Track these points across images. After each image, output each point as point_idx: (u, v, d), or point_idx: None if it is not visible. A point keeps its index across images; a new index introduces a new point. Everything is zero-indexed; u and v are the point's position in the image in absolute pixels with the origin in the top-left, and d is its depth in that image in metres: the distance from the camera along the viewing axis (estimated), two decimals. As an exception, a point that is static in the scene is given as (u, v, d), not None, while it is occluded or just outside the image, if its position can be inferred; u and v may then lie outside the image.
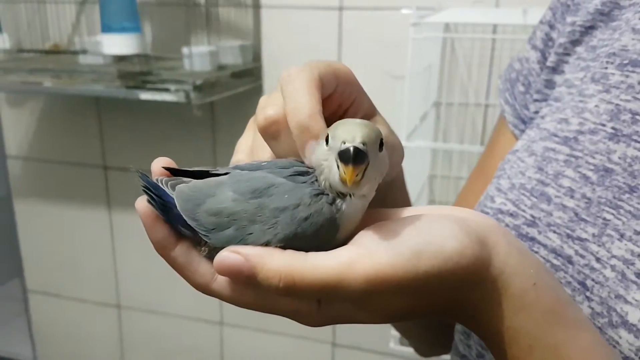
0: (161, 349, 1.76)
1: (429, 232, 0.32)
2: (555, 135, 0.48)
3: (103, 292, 1.75)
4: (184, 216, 0.35)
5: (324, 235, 0.34)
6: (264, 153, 0.40)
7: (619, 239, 0.40)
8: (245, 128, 0.44)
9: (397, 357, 1.46)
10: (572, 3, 0.54)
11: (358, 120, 0.34)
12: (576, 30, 0.52)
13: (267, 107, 0.37)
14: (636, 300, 0.38)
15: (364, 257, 0.31)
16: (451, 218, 0.34)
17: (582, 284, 0.41)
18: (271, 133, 0.37)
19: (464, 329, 0.52)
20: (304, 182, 0.35)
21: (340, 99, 0.39)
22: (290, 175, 0.35)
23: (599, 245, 0.41)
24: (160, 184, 0.36)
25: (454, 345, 0.55)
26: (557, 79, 0.53)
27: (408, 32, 0.98)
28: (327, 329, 1.53)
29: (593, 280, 0.41)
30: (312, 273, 0.31)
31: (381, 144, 0.34)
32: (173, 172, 0.38)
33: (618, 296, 0.39)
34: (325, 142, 0.34)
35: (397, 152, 0.42)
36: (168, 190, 0.35)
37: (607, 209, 0.42)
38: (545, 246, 0.44)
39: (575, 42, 0.52)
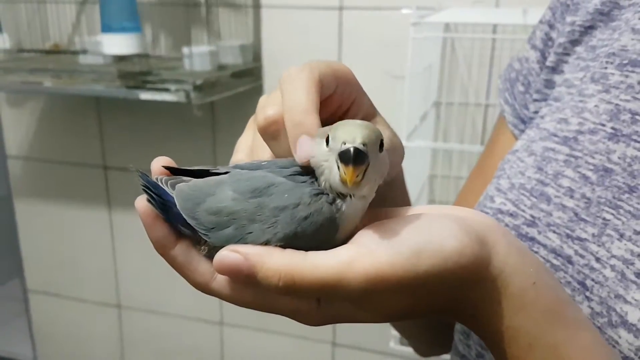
0: (161, 348, 1.76)
1: (429, 232, 0.32)
2: (555, 135, 0.48)
3: (103, 292, 1.75)
4: (183, 215, 0.35)
5: (323, 234, 0.34)
6: (264, 153, 0.40)
7: (618, 239, 0.40)
8: (245, 128, 0.44)
9: (397, 357, 1.46)
10: (572, 3, 0.54)
11: (358, 121, 0.34)
12: (576, 30, 0.52)
13: (267, 107, 0.37)
14: (636, 300, 0.38)
15: (363, 256, 0.31)
16: (451, 217, 0.34)
17: (582, 283, 0.41)
18: (271, 133, 0.37)
19: (464, 329, 0.52)
20: (304, 182, 0.35)
21: (340, 99, 0.39)
22: (290, 175, 0.35)
23: (599, 245, 0.41)
24: (160, 183, 0.36)
25: (454, 345, 0.55)
26: (557, 78, 0.53)
27: (408, 32, 0.98)
28: (327, 328, 1.53)
29: (593, 280, 0.41)
30: (311, 272, 0.31)
31: (381, 145, 0.34)
32: (173, 171, 0.38)
33: (618, 296, 0.39)
34: (325, 143, 0.34)
35: (398, 152, 0.42)
36: (168, 189, 0.35)
37: (606, 209, 0.42)
38: (545, 246, 0.44)
39: (575, 42, 0.52)
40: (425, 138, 1.21)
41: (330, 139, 0.33)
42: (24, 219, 1.78)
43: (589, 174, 0.44)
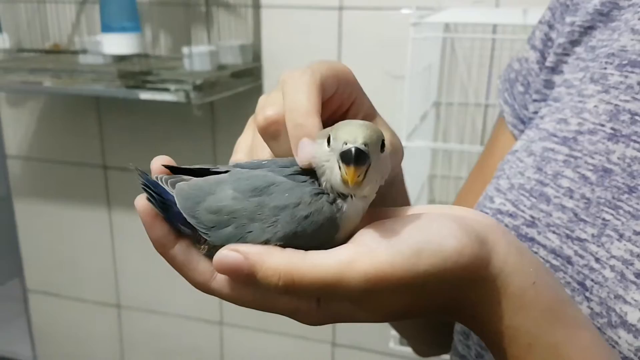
0: (161, 348, 1.76)
1: (429, 231, 0.32)
2: (555, 136, 0.48)
3: (103, 291, 1.75)
4: (183, 214, 0.35)
5: (323, 234, 0.34)
6: (263, 153, 0.40)
7: (618, 239, 0.40)
8: (244, 128, 0.44)
9: (397, 356, 1.46)
10: (571, 3, 0.54)
11: (360, 122, 0.34)
12: (575, 31, 0.52)
13: (267, 107, 0.37)
14: (635, 300, 0.38)
15: (363, 255, 0.31)
16: (450, 217, 0.34)
17: (582, 284, 0.41)
18: (271, 133, 0.37)
19: (463, 329, 0.52)
20: (305, 181, 0.35)
21: (340, 99, 0.39)
22: (291, 174, 0.35)
23: (598, 246, 0.41)
24: (159, 182, 0.36)
25: (453, 345, 0.55)
26: (556, 79, 0.53)
27: (408, 32, 0.98)
28: (327, 328, 1.53)
29: (592, 280, 0.41)
30: (311, 271, 0.31)
31: (382, 145, 0.34)
32: (173, 170, 0.38)
33: (617, 296, 0.39)
34: (326, 143, 0.34)
35: (397, 153, 0.42)
36: (168, 188, 0.35)
37: (606, 209, 0.42)
38: (544, 246, 0.44)
39: (575, 43, 0.52)
40: (425, 138, 1.21)
41: (331, 139, 0.33)
42: (24, 219, 1.78)
43: (589, 174, 0.44)
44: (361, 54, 1.29)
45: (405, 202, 0.53)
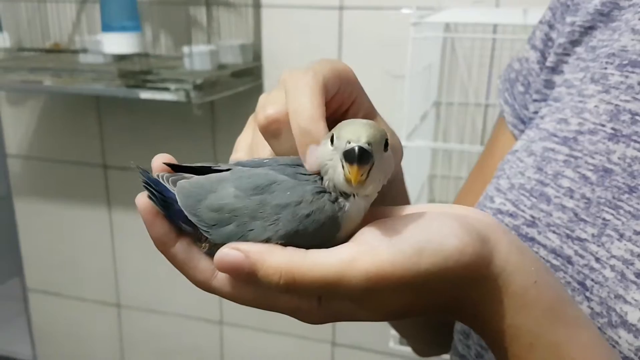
0: (161, 348, 1.76)
1: (430, 230, 0.32)
2: (555, 136, 0.48)
3: (103, 291, 1.75)
4: (185, 212, 0.35)
5: (325, 233, 0.34)
6: (264, 151, 0.40)
7: (618, 239, 0.40)
8: (245, 127, 0.44)
9: (397, 356, 1.46)
10: (572, 3, 0.53)
11: (363, 121, 0.34)
12: (576, 31, 0.52)
13: (268, 106, 0.37)
14: (635, 300, 0.38)
15: (364, 254, 0.31)
16: (452, 216, 0.34)
17: (582, 284, 0.41)
18: (272, 132, 0.37)
19: (463, 329, 0.52)
20: (307, 180, 0.35)
21: (341, 98, 0.39)
22: (293, 173, 0.35)
23: (599, 246, 0.41)
24: (161, 180, 0.36)
25: (453, 345, 0.55)
26: (557, 79, 0.53)
27: (408, 32, 0.98)
28: (327, 328, 1.53)
29: (592, 280, 0.41)
30: (312, 270, 0.31)
31: (386, 144, 0.34)
32: (174, 168, 0.38)
33: (617, 296, 0.39)
34: (330, 142, 0.34)
35: (397, 152, 0.42)
36: (169, 186, 0.35)
37: (606, 209, 0.42)
38: (544, 246, 0.44)
39: (575, 43, 0.52)
40: (425, 138, 1.21)
41: (334, 138, 0.33)
42: (24, 218, 1.78)
43: (589, 174, 0.44)
44: (361, 53, 1.29)
45: (405, 202, 0.53)
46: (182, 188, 0.35)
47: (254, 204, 0.34)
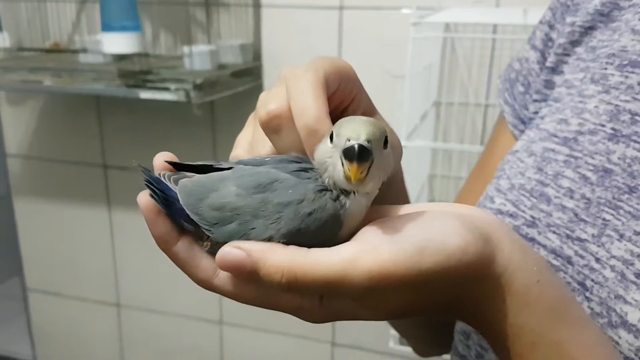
0: (161, 348, 1.76)
1: (432, 229, 0.32)
2: (555, 136, 0.48)
3: (103, 291, 1.75)
4: (186, 210, 0.35)
5: (327, 231, 0.34)
6: (264, 147, 0.40)
7: (618, 240, 0.40)
8: (245, 125, 0.44)
9: (397, 356, 1.46)
10: (572, 3, 0.54)
11: (363, 118, 0.34)
12: (576, 31, 0.52)
13: (269, 102, 0.37)
14: (636, 300, 0.38)
15: (366, 253, 0.31)
16: (454, 215, 0.34)
17: (582, 284, 0.41)
18: (273, 127, 0.37)
19: (464, 329, 0.52)
20: (308, 178, 0.35)
21: (341, 96, 0.39)
22: (294, 171, 0.35)
23: (599, 246, 0.41)
24: (162, 179, 0.36)
25: (453, 345, 0.55)
26: (557, 79, 0.53)
27: (408, 32, 0.98)
28: (327, 328, 1.53)
29: (592, 280, 0.41)
30: (314, 269, 0.31)
31: (385, 142, 0.34)
32: (175, 167, 0.38)
33: (617, 296, 0.39)
34: (329, 140, 0.34)
35: (396, 151, 0.42)
36: (170, 185, 0.35)
37: (606, 209, 0.42)
38: (544, 247, 0.44)
39: (575, 43, 0.52)
40: (425, 138, 1.21)
41: (334, 135, 0.33)
42: (24, 218, 1.78)
43: (589, 174, 0.44)
44: (361, 53, 1.29)
45: (405, 201, 0.53)
46: (184, 187, 0.35)
47: (256, 202, 0.33)
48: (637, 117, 0.42)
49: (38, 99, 1.60)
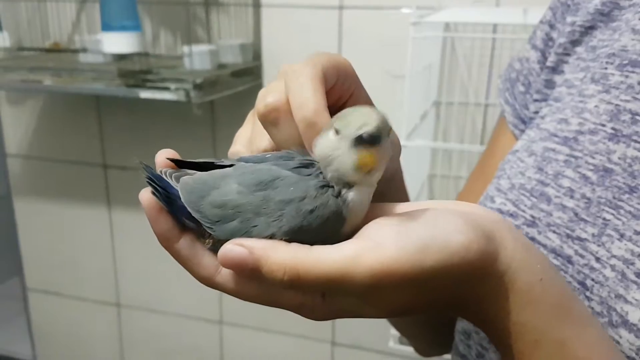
0: (161, 347, 1.76)
1: (435, 227, 0.32)
2: (555, 136, 0.48)
3: (103, 290, 1.75)
4: (188, 208, 0.34)
5: (329, 228, 0.34)
6: (262, 141, 0.40)
7: (618, 239, 0.40)
8: (245, 122, 0.45)
9: (397, 356, 1.46)
10: (572, 3, 0.54)
11: (368, 107, 0.34)
12: (576, 31, 0.52)
13: (267, 95, 0.37)
14: (636, 299, 0.38)
15: (369, 250, 0.31)
16: (457, 212, 0.34)
17: (582, 283, 0.41)
18: (271, 120, 0.37)
19: (464, 328, 0.52)
20: (309, 175, 0.35)
21: (339, 91, 0.39)
22: (296, 168, 0.35)
23: (599, 245, 0.41)
24: (164, 176, 0.36)
25: (454, 345, 0.55)
26: (557, 79, 0.53)
27: (408, 32, 0.98)
28: (327, 328, 1.53)
29: (593, 280, 0.41)
30: (316, 266, 0.31)
31: (390, 129, 0.34)
32: (177, 164, 0.38)
33: (618, 296, 0.39)
34: (332, 133, 0.33)
35: (396, 148, 0.42)
36: (172, 182, 0.35)
37: (607, 209, 0.42)
38: (544, 246, 0.45)
39: (575, 42, 0.52)
40: (425, 137, 1.21)
41: (340, 126, 0.33)
42: (24, 218, 1.78)
43: (589, 174, 0.44)
44: (361, 53, 1.29)
45: (405, 200, 0.53)
46: (185, 184, 0.35)
47: (258, 199, 0.33)
48: (637, 117, 0.42)
49: (38, 99, 1.60)
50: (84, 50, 1.38)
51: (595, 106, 0.45)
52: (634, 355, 0.37)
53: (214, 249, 0.35)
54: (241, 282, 0.35)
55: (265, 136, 0.39)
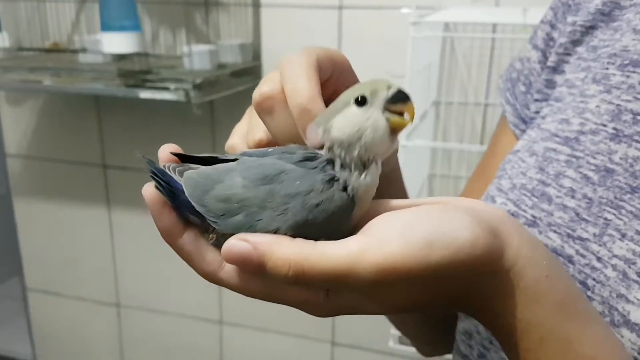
0: (160, 347, 1.76)
1: (440, 222, 0.32)
2: (557, 136, 0.48)
3: (102, 290, 1.75)
4: (192, 202, 0.34)
5: (334, 222, 0.34)
6: (258, 132, 0.40)
7: (620, 239, 0.40)
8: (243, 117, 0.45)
9: (397, 356, 1.46)
10: (573, 3, 0.54)
11: (367, 80, 0.35)
12: (577, 30, 0.52)
13: (263, 84, 0.37)
14: (638, 299, 0.38)
15: (374, 246, 0.31)
16: (462, 208, 0.33)
17: (583, 283, 0.41)
18: (266, 108, 0.37)
19: (466, 329, 0.52)
20: (315, 167, 0.35)
21: (336, 84, 0.39)
22: (300, 161, 0.35)
23: (600, 245, 0.41)
24: (167, 170, 0.36)
25: (456, 345, 0.55)
26: (558, 79, 0.54)
27: (408, 31, 0.98)
28: (327, 327, 1.53)
29: (594, 279, 0.41)
30: (321, 262, 0.31)
31: None
32: (181, 158, 0.38)
33: (620, 295, 0.39)
34: (355, 107, 0.34)
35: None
36: (176, 177, 0.35)
37: (608, 209, 0.42)
38: (545, 246, 0.44)
39: (576, 42, 0.52)
40: (425, 137, 1.21)
41: (366, 96, 0.34)
42: (23, 218, 1.78)
43: (591, 174, 0.44)
44: (361, 53, 1.29)
45: (403, 198, 0.53)
46: (189, 179, 0.35)
47: (263, 193, 0.33)
48: (638, 117, 0.42)
49: (38, 99, 1.60)
50: (84, 50, 1.38)
51: (597, 106, 0.45)
52: (635, 354, 0.37)
53: (218, 245, 0.34)
54: (245, 278, 0.35)
55: (261, 126, 0.39)
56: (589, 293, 0.41)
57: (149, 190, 0.35)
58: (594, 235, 0.42)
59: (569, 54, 0.53)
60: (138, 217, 1.61)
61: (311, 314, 0.35)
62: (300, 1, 1.30)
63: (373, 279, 0.31)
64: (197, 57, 1.24)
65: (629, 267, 0.39)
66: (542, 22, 0.58)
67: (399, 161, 0.50)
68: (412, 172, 1.09)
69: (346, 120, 0.34)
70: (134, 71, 1.25)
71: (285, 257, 0.32)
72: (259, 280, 0.34)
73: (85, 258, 1.74)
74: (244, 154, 0.37)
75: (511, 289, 0.33)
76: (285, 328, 1.58)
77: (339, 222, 0.34)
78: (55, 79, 1.28)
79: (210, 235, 0.35)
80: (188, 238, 0.35)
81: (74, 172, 1.65)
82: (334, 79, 0.39)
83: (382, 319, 0.73)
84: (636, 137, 0.42)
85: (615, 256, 0.40)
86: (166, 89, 1.18)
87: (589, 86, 0.47)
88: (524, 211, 0.47)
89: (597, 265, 0.41)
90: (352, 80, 0.41)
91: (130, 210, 1.63)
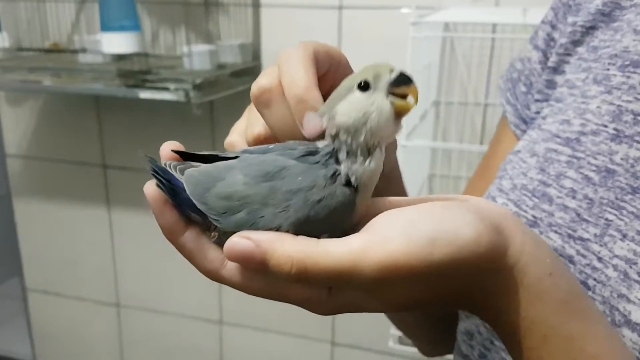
0: (160, 347, 1.76)
1: (444, 220, 0.32)
2: (557, 136, 0.48)
3: (102, 290, 1.75)
4: (193, 200, 0.34)
5: (336, 218, 0.34)
6: (256, 126, 0.40)
7: (621, 239, 0.40)
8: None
9: (396, 356, 1.46)
10: (574, 3, 0.54)
11: (375, 62, 0.35)
12: (577, 31, 0.52)
13: (261, 78, 0.38)
14: (639, 299, 0.38)
15: (377, 244, 0.31)
16: (465, 206, 0.33)
17: (584, 283, 0.41)
18: (264, 101, 0.37)
19: (467, 329, 0.52)
20: (317, 162, 0.34)
21: (333, 79, 0.39)
22: (301, 156, 0.35)
23: (601, 245, 0.41)
24: (168, 168, 0.36)
25: (456, 345, 0.55)
26: (558, 79, 0.54)
27: (408, 31, 0.98)
28: (327, 327, 1.53)
29: (595, 279, 0.41)
30: (324, 259, 0.31)
31: None
32: (182, 156, 0.38)
33: (620, 295, 0.39)
34: (358, 92, 0.34)
35: (392, 143, 0.42)
36: (177, 175, 0.35)
37: (609, 209, 0.42)
38: (547, 245, 0.45)
39: (577, 43, 0.52)
40: (425, 137, 1.21)
41: (369, 80, 0.34)
42: (23, 218, 1.78)
43: (592, 174, 0.44)
44: (361, 53, 1.29)
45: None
46: (190, 176, 0.35)
47: (265, 190, 0.33)
48: (639, 118, 0.42)
49: (37, 99, 1.60)
50: (84, 50, 1.38)
51: (598, 107, 0.45)
52: (637, 354, 0.37)
53: (220, 242, 0.34)
54: (247, 276, 0.34)
55: (260, 121, 0.39)
56: (590, 293, 0.41)
57: (151, 188, 0.35)
58: (595, 235, 0.42)
59: (569, 55, 0.53)
60: (138, 217, 1.61)
61: (313, 312, 0.35)
62: (300, 1, 1.30)
63: (376, 277, 0.30)
64: (197, 57, 1.24)
65: (630, 267, 0.39)
66: (542, 22, 0.58)
67: (399, 161, 0.50)
68: (412, 172, 1.09)
69: (351, 106, 0.34)
70: (133, 71, 1.25)
71: (287, 254, 0.31)
72: (261, 278, 0.34)
73: (85, 258, 1.74)
74: (244, 151, 0.37)
75: (514, 287, 0.33)
76: (285, 328, 1.58)
77: (341, 218, 0.34)
78: (55, 79, 1.28)
79: (212, 233, 0.35)
80: (190, 236, 0.35)
81: (74, 172, 1.65)
82: (331, 74, 0.39)
83: (382, 319, 0.73)
84: (637, 138, 0.42)
85: (616, 256, 0.40)
86: (166, 89, 1.18)
87: (589, 87, 0.47)
88: (525, 211, 0.47)
89: (598, 265, 0.41)
90: (349, 74, 0.41)
91: (130, 210, 1.62)
